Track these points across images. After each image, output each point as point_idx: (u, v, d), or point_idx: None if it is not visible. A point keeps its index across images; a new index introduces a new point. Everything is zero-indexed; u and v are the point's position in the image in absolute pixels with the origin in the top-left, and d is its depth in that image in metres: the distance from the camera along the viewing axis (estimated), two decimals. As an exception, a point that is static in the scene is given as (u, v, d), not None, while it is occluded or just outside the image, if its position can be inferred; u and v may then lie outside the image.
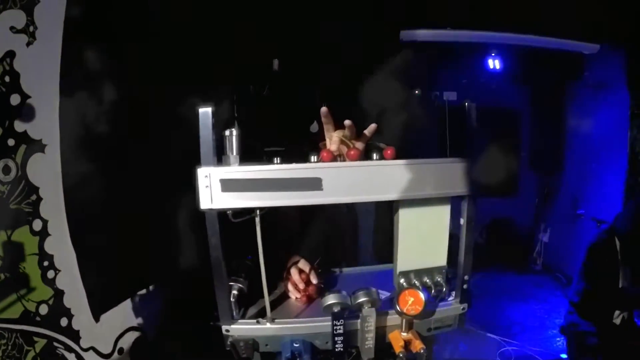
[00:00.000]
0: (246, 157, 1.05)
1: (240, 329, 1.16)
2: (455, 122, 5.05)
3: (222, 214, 1.03)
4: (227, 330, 1.16)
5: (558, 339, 3.80)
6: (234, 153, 1.01)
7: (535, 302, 4.67)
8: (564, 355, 3.57)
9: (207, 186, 0.99)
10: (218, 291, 1.11)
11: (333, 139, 1.38)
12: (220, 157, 1.03)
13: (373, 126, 1.35)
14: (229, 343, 1.16)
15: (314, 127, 1.88)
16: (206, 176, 0.99)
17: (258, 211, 1.03)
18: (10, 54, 1.81)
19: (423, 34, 4.18)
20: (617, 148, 4.37)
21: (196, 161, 1.03)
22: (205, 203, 1.00)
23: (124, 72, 2.15)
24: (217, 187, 0.98)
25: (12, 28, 1.81)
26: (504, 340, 3.84)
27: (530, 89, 5.66)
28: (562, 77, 5.27)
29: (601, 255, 2.98)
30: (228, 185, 0.97)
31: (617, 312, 3.04)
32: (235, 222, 1.02)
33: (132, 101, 2.16)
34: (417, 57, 4.38)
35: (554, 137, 5.51)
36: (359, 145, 1.35)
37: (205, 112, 0.99)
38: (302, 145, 1.66)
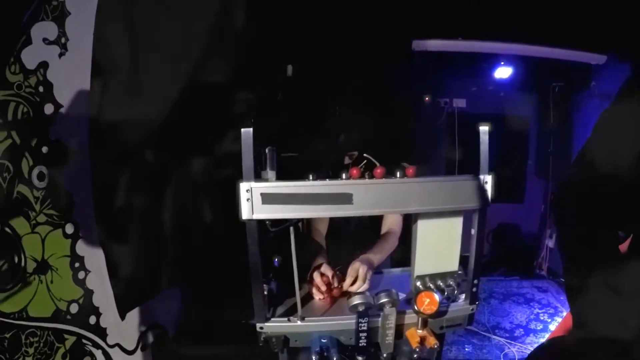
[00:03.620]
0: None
1: (273, 326, 1.26)
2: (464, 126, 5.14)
3: (260, 223, 1.14)
4: (261, 328, 1.26)
5: (561, 342, 3.84)
6: (272, 169, 1.13)
7: (539, 306, 4.73)
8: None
9: (248, 199, 1.09)
10: (254, 292, 1.21)
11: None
12: (257, 172, 1.14)
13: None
14: (262, 339, 1.27)
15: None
16: (247, 190, 1.09)
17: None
18: (44, 65, 1.88)
19: (434, 44, 4.27)
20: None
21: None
22: (246, 214, 1.10)
23: (153, 81, 2.24)
24: (257, 200, 1.09)
25: (44, 39, 1.87)
26: (508, 342, 3.91)
27: (538, 98, 5.71)
28: (569, 86, 5.32)
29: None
30: (268, 198, 1.09)
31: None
32: (273, 231, 1.13)
33: (155, 111, 2.25)
34: (428, 65, 4.48)
35: (561, 145, 5.55)
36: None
37: (247, 132, 1.09)
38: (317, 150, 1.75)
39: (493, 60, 4.95)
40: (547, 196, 5.72)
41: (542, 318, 4.45)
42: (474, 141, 1.21)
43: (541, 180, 5.80)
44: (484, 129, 1.19)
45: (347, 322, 1.23)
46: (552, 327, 4.25)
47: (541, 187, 5.80)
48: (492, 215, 5.45)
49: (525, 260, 5.66)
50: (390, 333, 1.21)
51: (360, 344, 1.21)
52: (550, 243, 5.58)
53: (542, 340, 3.98)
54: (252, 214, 1.10)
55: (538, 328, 4.24)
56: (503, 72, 5.06)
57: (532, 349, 3.80)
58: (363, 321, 1.18)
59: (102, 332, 2.24)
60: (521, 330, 4.19)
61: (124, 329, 2.34)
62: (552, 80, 5.28)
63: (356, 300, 1.17)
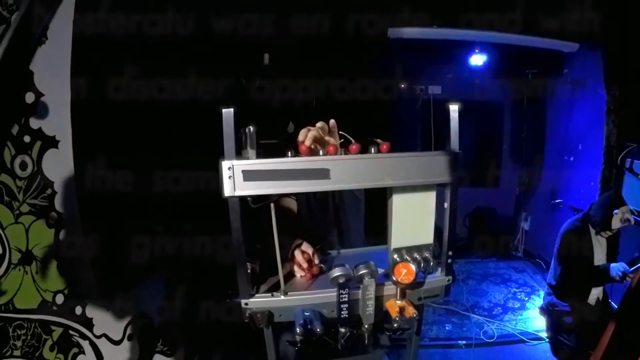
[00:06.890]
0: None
1: (257, 302, 1.30)
2: (440, 113, 5.22)
3: (242, 201, 1.18)
4: (246, 304, 1.29)
5: (537, 319, 3.99)
6: (252, 147, 1.18)
7: (516, 286, 4.87)
8: (543, 334, 3.77)
9: (230, 176, 1.13)
10: (238, 270, 1.24)
11: (309, 135, 1.49)
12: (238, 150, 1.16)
13: (332, 122, 1.56)
14: (247, 315, 1.30)
15: (291, 128, 2.01)
16: (229, 168, 1.13)
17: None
18: (24, 54, 1.90)
19: (409, 31, 4.31)
20: (594, 141, 4.57)
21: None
22: (228, 191, 1.14)
23: (131, 70, 2.26)
24: (239, 177, 1.13)
25: (25, 27, 1.89)
26: (487, 320, 4.04)
27: (512, 85, 5.81)
28: (542, 73, 5.42)
29: (574, 241, 3.18)
30: (249, 175, 1.13)
31: (592, 294, 3.25)
32: (254, 207, 1.17)
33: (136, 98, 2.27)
34: (403, 53, 4.53)
35: (535, 130, 5.67)
36: (333, 140, 1.54)
37: (228, 112, 1.12)
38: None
39: (468, 47, 5.03)
40: (522, 180, 5.86)
41: (519, 297, 4.60)
42: (449, 127, 1.28)
43: (516, 164, 5.94)
44: (453, 107, 1.25)
45: (329, 294, 1.28)
46: (529, 304, 4.39)
47: (516, 172, 5.94)
48: (468, 199, 5.62)
49: (502, 242, 5.80)
50: (371, 304, 1.26)
51: (342, 316, 1.26)
52: (526, 225, 5.73)
53: (520, 317, 4.13)
54: (234, 190, 1.13)
55: (515, 306, 4.38)
56: (478, 60, 5.14)
57: (510, 326, 3.94)
58: (344, 292, 1.23)
59: (88, 323, 2.24)
60: (499, 308, 4.32)
61: (110, 319, 2.34)
62: (526, 67, 5.38)
63: (336, 272, 1.22)
